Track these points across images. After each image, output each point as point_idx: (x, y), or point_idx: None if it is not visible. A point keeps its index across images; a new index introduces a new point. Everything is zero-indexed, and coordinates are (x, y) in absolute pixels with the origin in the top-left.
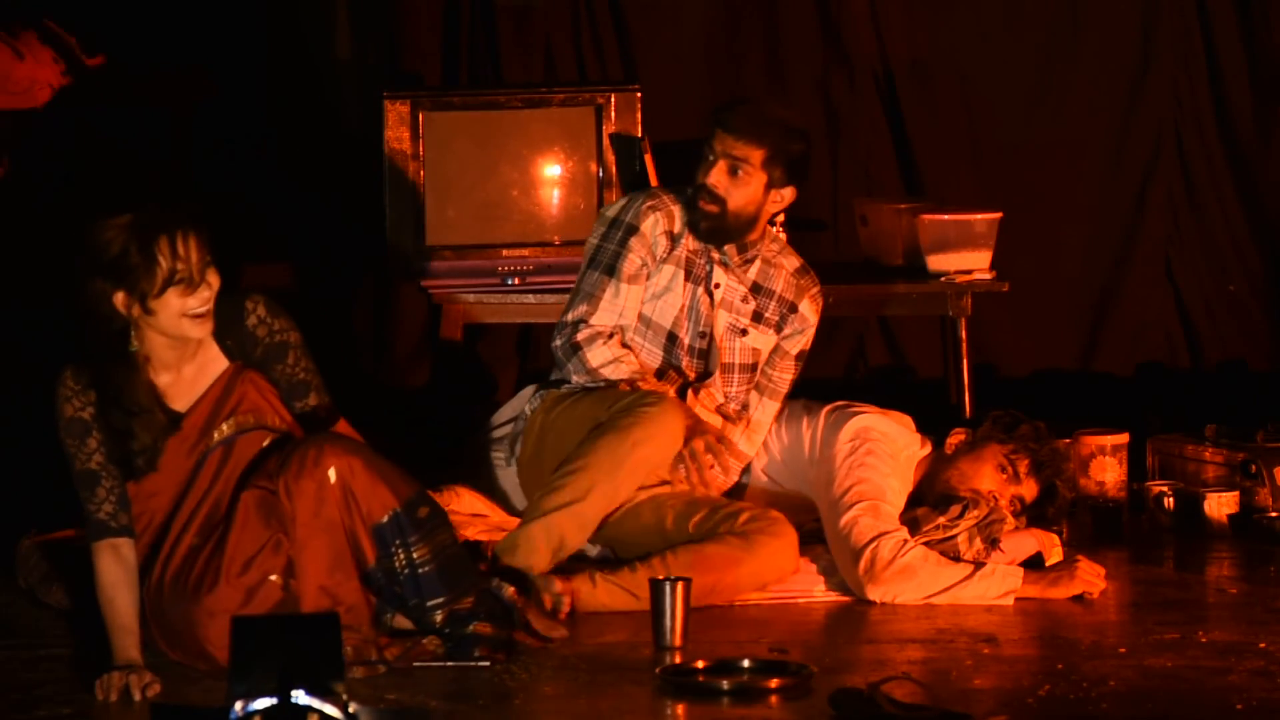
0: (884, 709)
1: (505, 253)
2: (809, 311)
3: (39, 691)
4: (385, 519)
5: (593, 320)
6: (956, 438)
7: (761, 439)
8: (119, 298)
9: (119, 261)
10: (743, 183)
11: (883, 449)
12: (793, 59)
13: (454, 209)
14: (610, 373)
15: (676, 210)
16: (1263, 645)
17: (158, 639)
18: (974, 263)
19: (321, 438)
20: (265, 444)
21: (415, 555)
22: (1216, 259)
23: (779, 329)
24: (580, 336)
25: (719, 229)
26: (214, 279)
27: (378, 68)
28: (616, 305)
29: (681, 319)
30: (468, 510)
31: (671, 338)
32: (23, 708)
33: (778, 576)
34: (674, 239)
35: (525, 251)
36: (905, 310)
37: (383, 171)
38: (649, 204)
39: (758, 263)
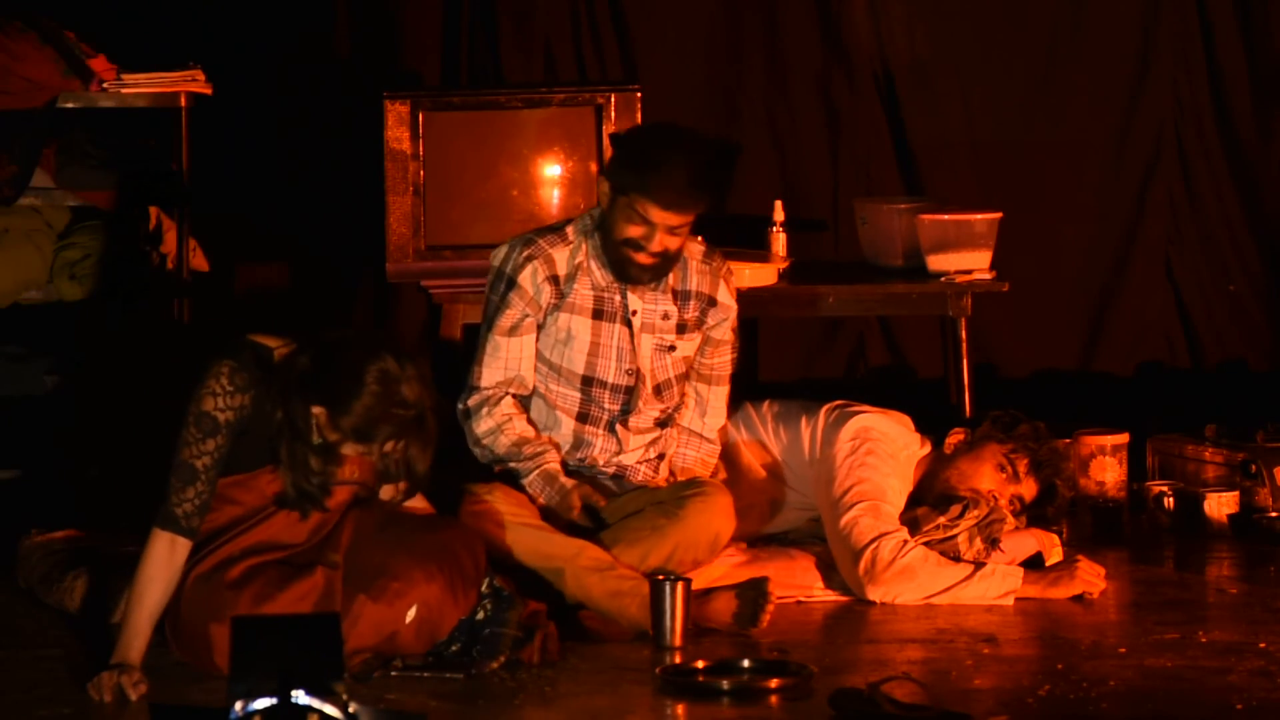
0: (884, 709)
1: None
2: (726, 297)
3: (39, 691)
4: (450, 631)
5: (481, 381)
6: (956, 437)
7: (722, 423)
8: (317, 409)
9: (348, 405)
10: (682, 233)
11: (883, 449)
12: (793, 59)
13: (454, 209)
14: (491, 443)
15: (558, 253)
16: (1263, 645)
17: (168, 632)
18: (974, 263)
19: (411, 564)
20: (348, 499)
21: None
22: (1216, 259)
23: (701, 325)
24: (471, 402)
25: (662, 273)
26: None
27: (378, 68)
28: (500, 360)
29: (597, 361)
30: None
31: (587, 380)
32: (23, 708)
33: (710, 541)
34: (559, 282)
35: None
36: (905, 310)
37: (383, 171)
38: (525, 254)
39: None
